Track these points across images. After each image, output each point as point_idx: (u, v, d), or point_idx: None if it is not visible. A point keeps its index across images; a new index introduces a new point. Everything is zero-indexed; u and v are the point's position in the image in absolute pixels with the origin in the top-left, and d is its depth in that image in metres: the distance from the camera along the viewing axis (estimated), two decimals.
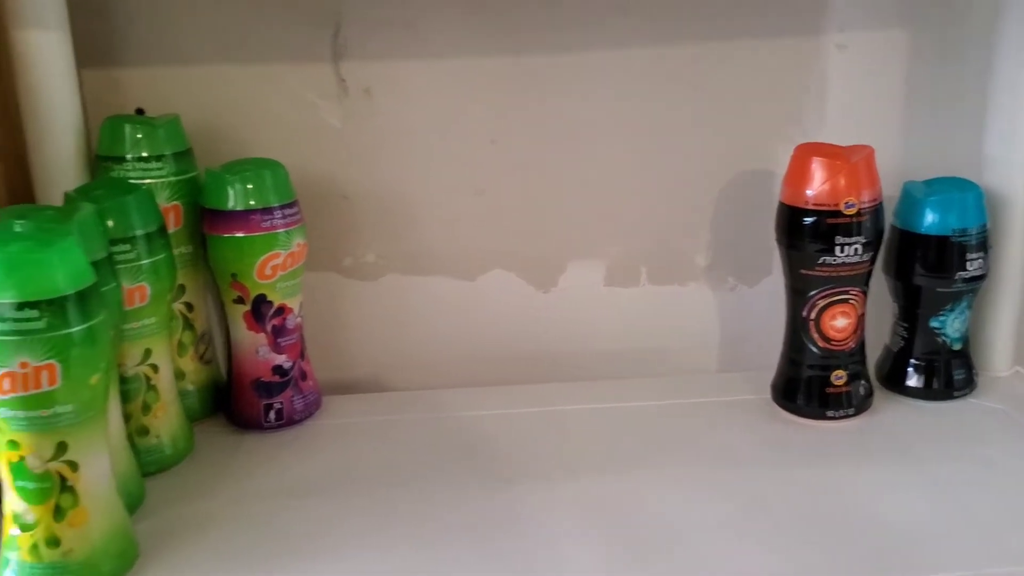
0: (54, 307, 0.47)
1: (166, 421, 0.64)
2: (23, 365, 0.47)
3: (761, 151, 0.76)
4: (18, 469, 0.50)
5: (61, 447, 0.50)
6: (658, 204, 0.77)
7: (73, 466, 0.50)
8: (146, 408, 0.63)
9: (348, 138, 0.74)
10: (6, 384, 0.47)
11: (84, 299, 0.49)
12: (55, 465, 0.50)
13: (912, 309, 0.70)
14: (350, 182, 0.75)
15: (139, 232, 0.60)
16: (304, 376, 0.70)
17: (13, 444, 0.49)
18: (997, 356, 0.74)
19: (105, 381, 0.51)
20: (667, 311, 0.79)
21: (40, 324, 0.47)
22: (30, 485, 0.50)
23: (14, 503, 0.50)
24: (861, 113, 0.75)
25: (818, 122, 0.76)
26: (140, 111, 0.73)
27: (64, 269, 0.48)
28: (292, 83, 0.73)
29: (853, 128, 0.75)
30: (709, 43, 0.73)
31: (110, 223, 0.59)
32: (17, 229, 0.51)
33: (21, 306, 0.47)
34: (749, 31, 0.73)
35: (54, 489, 0.50)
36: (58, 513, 0.50)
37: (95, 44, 0.70)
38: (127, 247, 0.60)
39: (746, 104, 0.75)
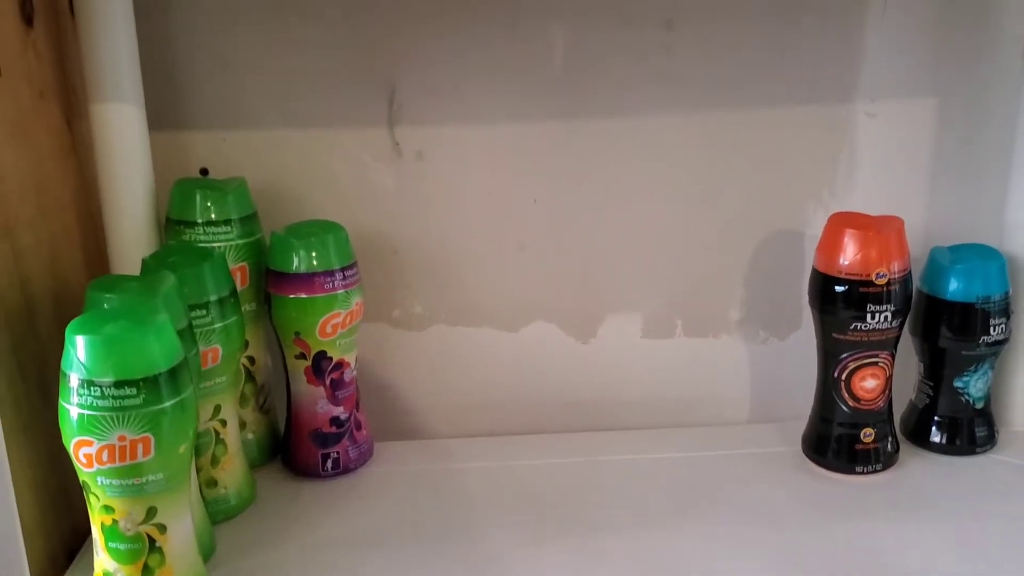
0: (150, 384, 0.51)
1: (232, 472, 0.68)
2: (121, 438, 0.51)
3: (793, 212, 0.80)
4: (111, 532, 0.54)
5: (151, 511, 0.54)
6: (693, 260, 0.81)
7: (161, 528, 0.54)
8: (214, 461, 0.67)
9: (400, 197, 0.78)
10: (104, 456, 0.51)
11: (175, 374, 0.53)
12: (145, 528, 0.54)
13: (937, 369, 0.74)
14: (401, 237, 0.79)
15: (213, 298, 0.64)
16: (359, 426, 0.74)
17: (107, 509, 0.53)
18: (1018, 411, 0.78)
19: (191, 449, 0.55)
20: (701, 362, 0.83)
21: (137, 400, 0.51)
22: (122, 546, 0.54)
23: (106, 562, 0.54)
24: (890, 178, 0.79)
25: (849, 185, 0.79)
26: (204, 171, 0.77)
27: (159, 347, 0.52)
28: (349, 146, 0.77)
29: (882, 192, 0.79)
30: (745, 109, 0.77)
31: (187, 290, 0.63)
32: (111, 307, 0.55)
33: (120, 384, 0.51)
34: (784, 98, 0.77)
35: (143, 550, 0.54)
36: (147, 571, 0.54)
37: (164, 108, 0.74)
38: (203, 312, 0.64)
39: (779, 167, 0.79)
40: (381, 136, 0.77)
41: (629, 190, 0.79)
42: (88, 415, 0.51)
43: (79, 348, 0.51)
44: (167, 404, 0.52)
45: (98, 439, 0.51)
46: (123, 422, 0.51)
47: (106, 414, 0.51)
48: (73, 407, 0.51)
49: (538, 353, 0.82)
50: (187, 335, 0.59)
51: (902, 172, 0.79)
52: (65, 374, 0.52)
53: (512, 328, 0.82)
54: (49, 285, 0.65)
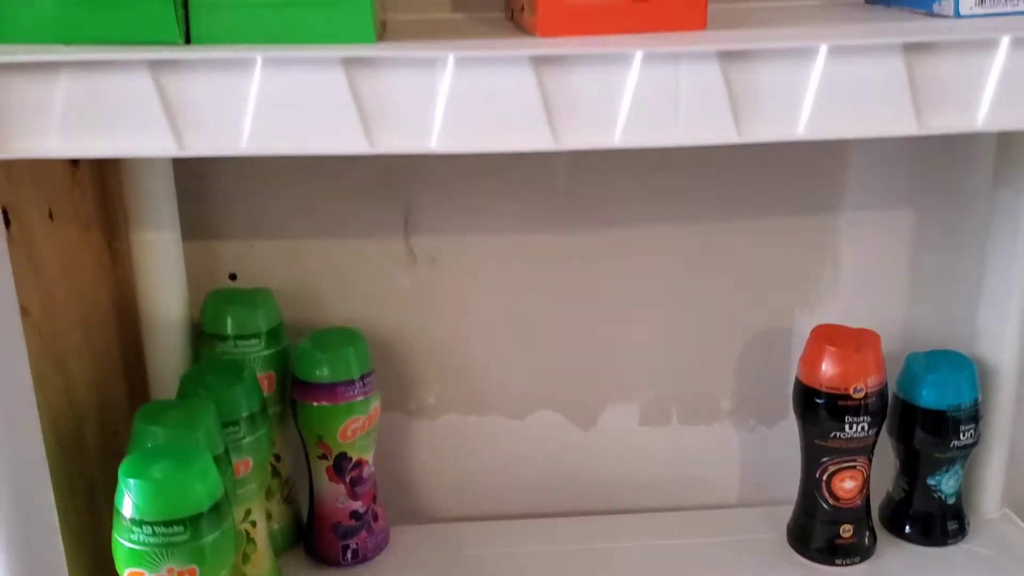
0: (194, 522, 0.58)
1: (261, 567, 0.74)
2: (169, 571, 0.57)
3: (779, 312, 0.86)
4: None
5: None
6: (687, 355, 0.87)
7: None
8: (245, 558, 0.73)
9: (415, 298, 0.84)
10: None
11: (217, 508, 0.59)
12: None
13: (912, 467, 0.79)
14: (415, 335, 0.85)
15: (245, 414, 0.70)
16: (376, 517, 0.80)
17: None
18: (987, 501, 0.83)
19: (230, 571, 0.61)
20: (695, 448, 0.89)
21: (184, 537, 0.57)
22: None
23: None
24: (870, 282, 0.85)
25: (832, 289, 0.85)
26: (233, 276, 0.83)
27: (203, 487, 0.58)
28: (368, 253, 0.83)
29: (863, 296, 0.85)
30: (736, 220, 0.83)
31: (221, 408, 0.69)
32: (157, 445, 0.61)
33: (168, 524, 0.57)
34: (773, 209, 0.83)
35: None
36: None
37: (197, 219, 0.80)
38: (235, 428, 0.70)
39: (767, 270, 0.84)
40: (398, 244, 0.83)
41: (627, 292, 0.84)
42: (139, 550, 0.57)
43: (131, 490, 0.57)
44: (210, 538, 0.58)
45: (149, 571, 0.57)
46: (171, 556, 0.57)
47: (155, 549, 0.57)
48: (126, 542, 0.57)
49: (543, 440, 0.88)
50: (224, 458, 0.65)
51: (882, 277, 0.85)
52: (118, 511, 0.58)
53: (519, 416, 0.88)
54: (94, 400, 0.71)
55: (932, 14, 0.62)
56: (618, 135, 0.46)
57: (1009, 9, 0.60)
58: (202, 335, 0.77)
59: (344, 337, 0.77)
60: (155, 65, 0.44)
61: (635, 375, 0.87)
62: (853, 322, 0.80)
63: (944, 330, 0.84)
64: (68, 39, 0.53)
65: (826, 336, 0.76)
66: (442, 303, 0.84)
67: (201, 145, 0.45)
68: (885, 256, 0.84)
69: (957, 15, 0.60)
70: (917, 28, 0.50)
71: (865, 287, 0.85)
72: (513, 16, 0.68)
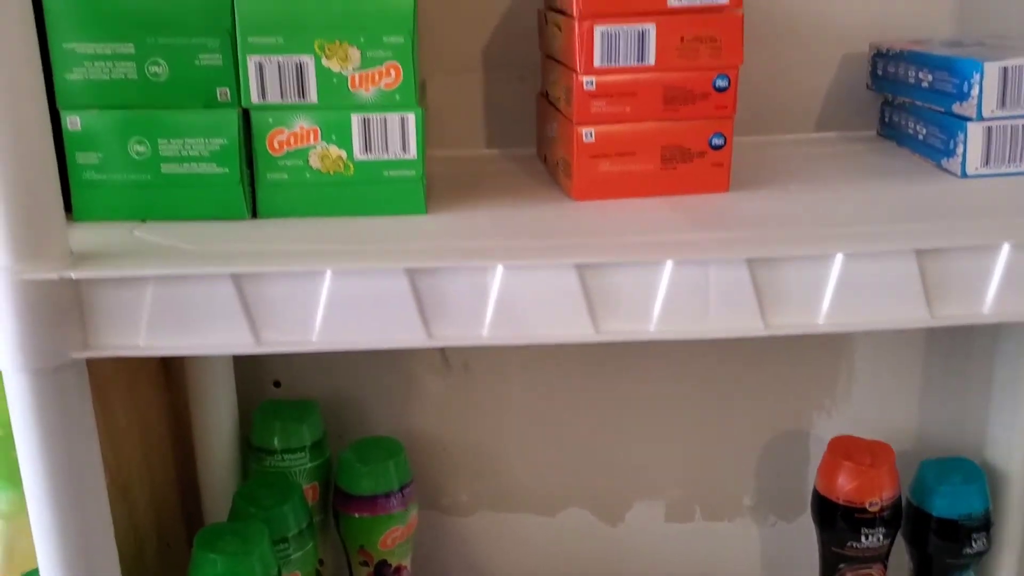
0: None
1: None
2: None
3: (799, 416, 0.90)
4: None
5: None
6: (711, 455, 0.91)
7: None
8: None
9: (449, 402, 0.88)
10: None
11: None
12: None
13: (926, 571, 0.83)
14: (449, 436, 0.89)
15: (293, 532, 0.75)
16: None
17: None
18: None
19: None
20: (718, 543, 0.93)
21: None
22: None
23: None
24: (884, 389, 0.89)
25: (847, 394, 0.89)
26: (277, 383, 0.87)
27: None
28: (406, 363, 0.87)
29: (877, 401, 0.88)
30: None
31: (272, 527, 0.73)
32: (214, 573, 0.66)
33: None
34: None
35: None
36: None
37: None
38: (285, 545, 0.74)
39: (786, 378, 0.88)
40: (432, 352, 0.87)
41: (654, 396, 0.89)
42: None
43: None
44: None
45: None
46: None
47: None
48: None
49: (572, 536, 0.92)
50: None
51: (895, 385, 0.89)
52: None
53: (549, 513, 0.92)
54: (153, 519, 0.75)
55: (940, 167, 0.67)
56: (653, 327, 0.50)
57: (1013, 170, 0.64)
58: (251, 447, 0.81)
59: (385, 449, 0.82)
60: (237, 277, 0.48)
61: (661, 474, 0.91)
62: (868, 426, 0.85)
63: (955, 436, 0.88)
64: (143, 216, 0.58)
65: (842, 450, 0.80)
66: (475, 406, 0.89)
67: (276, 341, 0.49)
68: (898, 364, 0.88)
69: (964, 175, 0.64)
70: (927, 230, 0.54)
71: (879, 394, 0.89)
72: (546, 159, 0.72)
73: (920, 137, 0.70)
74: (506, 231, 0.56)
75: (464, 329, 0.50)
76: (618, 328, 0.50)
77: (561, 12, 0.64)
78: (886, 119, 0.77)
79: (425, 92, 0.69)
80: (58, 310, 0.48)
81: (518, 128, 0.80)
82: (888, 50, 0.74)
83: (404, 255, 0.50)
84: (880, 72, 0.75)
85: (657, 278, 0.50)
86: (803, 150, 0.76)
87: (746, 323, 0.50)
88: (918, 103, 0.70)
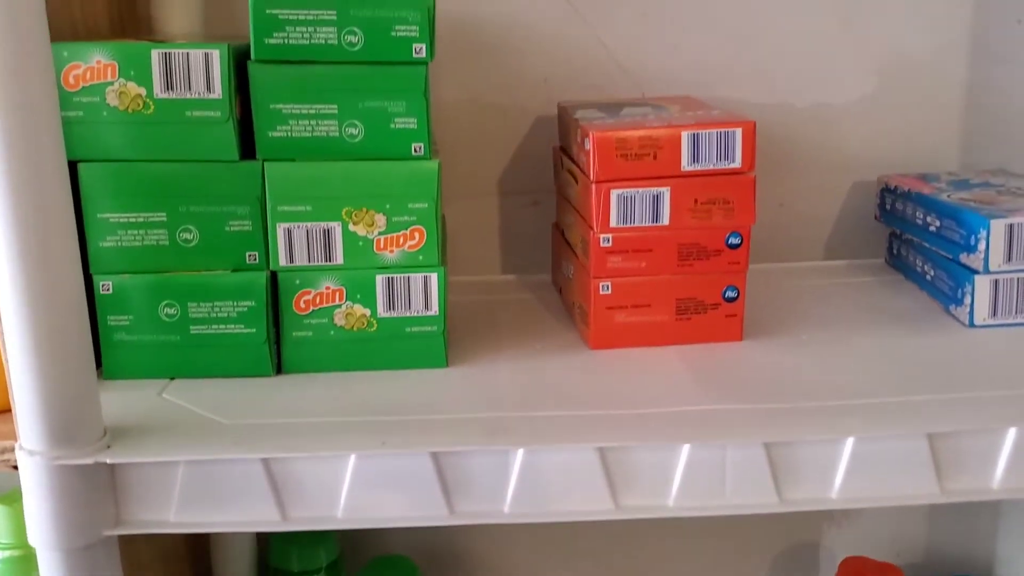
0: None
1: None
2: None
3: (810, 527, 0.91)
4: None
5: None
6: (725, 566, 0.91)
7: None
8: None
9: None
10: None
11: None
12: None
13: None
14: (464, 552, 0.90)
15: None
16: None
17: None
18: None
19: None
20: None
21: None
22: None
23: None
24: (891, 526, 0.90)
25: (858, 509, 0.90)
26: None
27: None
28: None
29: (887, 517, 0.89)
30: None
31: None
32: None
33: None
34: None
35: None
36: None
37: None
38: None
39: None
40: None
41: (664, 528, 0.90)
42: None
43: None
44: None
45: None
46: None
47: None
48: None
49: None
50: None
51: (902, 522, 0.90)
52: None
53: None
54: None
55: (948, 312, 0.68)
56: (672, 502, 0.51)
57: (1020, 321, 0.66)
58: (268, 568, 0.82)
59: (399, 569, 0.83)
60: (267, 460, 0.49)
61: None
62: (878, 541, 0.86)
63: (964, 553, 0.89)
64: (171, 374, 0.60)
65: (854, 572, 0.81)
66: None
67: (303, 518, 0.51)
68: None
69: (971, 325, 0.66)
70: (939, 404, 0.56)
71: (889, 510, 0.90)
72: (561, 291, 0.74)
73: (928, 277, 0.72)
74: (527, 395, 0.57)
75: (486, 506, 0.51)
76: (637, 504, 0.51)
77: (577, 166, 0.66)
78: (894, 250, 0.79)
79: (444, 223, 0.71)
80: (92, 491, 0.49)
81: (534, 253, 0.82)
82: (896, 187, 0.76)
83: (427, 432, 0.52)
84: (888, 207, 0.77)
85: (676, 458, 0.51)
86: (813, 281, 0.77)
87: (762, 499, 0.51)
88: (926, 244, 0.71)
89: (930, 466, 0.52)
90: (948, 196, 0.70)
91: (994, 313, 0.65)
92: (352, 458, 0.50)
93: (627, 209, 0.62)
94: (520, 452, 0.50)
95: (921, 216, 0.71)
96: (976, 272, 0.65)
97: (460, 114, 0.80)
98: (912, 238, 0.74)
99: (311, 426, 0.53)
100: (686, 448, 0.51)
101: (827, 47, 0.80)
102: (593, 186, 0.61)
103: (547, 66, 0.79)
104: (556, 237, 0.76)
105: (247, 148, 0.58)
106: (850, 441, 0.51)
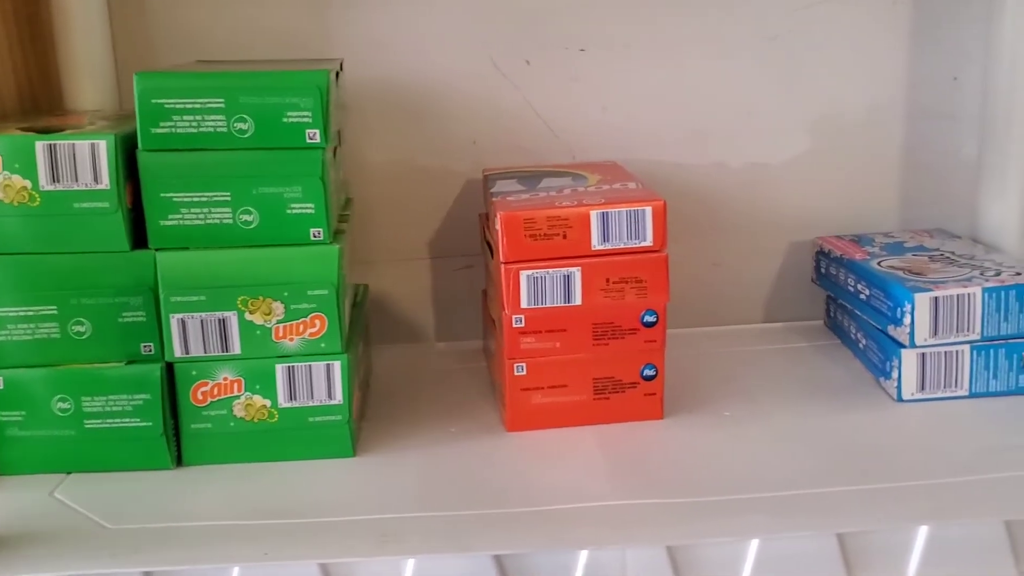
0: None
1: None
2: None
3: None
4: None
5: None
6: None
7: None
8: None
9: None
10: None
11: None
12: None
13: None
14: None
15: None
16: None
17: None
18: None
19: None
20: None
21: None
22: None
23: None
24: None
25: None
26: None
27: None
28: None
29: None
30: None
31: None
32: None
33: None
34: None
35: None
36: None
37: None
38: None
39: None
40: None
41: None
42: None
43: None
44: None
45: None
46: None
47: None
48: None
49: None
50: None
51: None
52: None
53: None
54: None
55: (879, 384, 0.67)
56: None
57: (948, 394, 0.64)
58: None
59: None
60: (148, 574, 0.48)
61: None
62: None
63: None
64: (67, 469, 0.58)
65: None
66: None
67: None
68: None
69: (899, 399, 0.64)
70: (851, 500, 0.54)
71: None
72: (488, 362, 0.72)
73: (861, 346, 0.70)
74: (431, 490, 0.55)
75: None
76: None
77: (490, 243, 0.64)
78: (831, 313, 0.77)
79: (366, 294, 0.69)
80: None
81: (467, 319, 0.80)
82: (830, 251, 0.74)
83: (319, 537, 0.50)
84: (823, 270, 0.75)
85: (574, 562, 0.49)
86: (748, 347, 0.76)
87: None
88: (857, 312, 0.70)
89: (840, 564, 0.50)
90: (879, 263, 0.69)
91: (922, 387, 0.64)
92: (236, 570, 0.48)
93: (538, 289, 0.60)
94: (411, 562, 0.48)
95: (853, 283, 0.70)
96: (903, 346, 0.63)
97: (389, 177, 0.78)
98: (845, 304, 0.72)
99: (200, 531, 0.51)
100: (584, 554, 0.49)
101: (761, 107, 0.78)
102: (502, 267, 0.60)
103: (476, 129, 0.78)
104: (484, 305, 0.74)
105: (140, 236, 0.56)
106: (755, 543, 0.49)
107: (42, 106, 0.71)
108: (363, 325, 0.68)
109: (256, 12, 0.74)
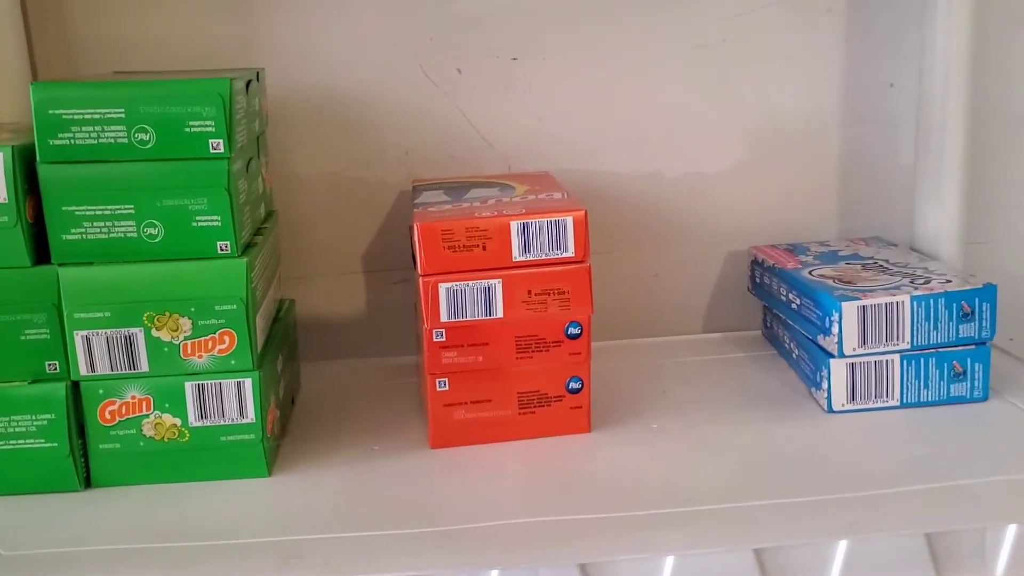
0: None
1: None
2: None
3: None
4: None
5: None
6: None
7: None
8: None
9: None
10: None
11: None
12: None
13: None
14: None
15: None
16: None
17: None
18: None
19: None
20: None
21: None
22: None
23: None
24: None
25: None
26: None
27: None
28: None
29: None
30: None
31: None
32: None
33: None
34: None
35: None
36: None
37: None
38: None
39: None
40: None
41: None
42: None
43: None
44: None
45: None
46: None
47: None
48: None
49: None
50: None
51: None
52: None
53: None
54: None
55: (811, 395, 0.65)
56: None
57: (879, 405, 0.63)
58: None
59: None
60: None
61: None
62: None
63: None
64: None
65: None
66: None
67: None
68: None
69: (829, 410, 0.63)
70: (771, 513, 0.53)
71: None
72: (418, 378, 0.70)
73: (794, 356, 0.69)
74: (344, 511, 0.53)
75: None
76: None
77: (415, 262, 0.63)
78: (767, 323, 0.76)
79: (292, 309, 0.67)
80: None
81: (400, 333, 0.79)
82: (763, 261, 0.73)
83: (220, 561, 0.48)
84: (758, 280, 0.75)
85: None
86: (684, 358, 0.74)
87: None
88: (790, 322, 0.69)
89: None
90: (811, 272, 0.68)
91: (852, 398, 0.63)
92: None
93: (458, 302, 0.59)
94: None
95: (785, 292, 0.69)
96: (832, 356, 0.62)
97: (320, 188, 0.77)
98: (779, 314, 0.71)
99: (101, 555, 0.49)
100: (494, 574, 0.47)
101: (696, 115, 0.77)
102: (421, 279, 0.58)
103: (409, 140, 0.77)
104: (416, 318, 0.73)
105: (42, 251, 0.55)
106: (670, 559, 0.48)
107: None
108: (286, 340, 0.67)
109: (179, 22, 0.73)
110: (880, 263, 0.69)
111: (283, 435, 0.63)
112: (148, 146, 0.53)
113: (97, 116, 0.52)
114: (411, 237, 0.69)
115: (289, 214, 0.76)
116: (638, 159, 0.78)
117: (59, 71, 0.72)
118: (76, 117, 0.52)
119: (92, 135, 0.52)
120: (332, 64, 0.75)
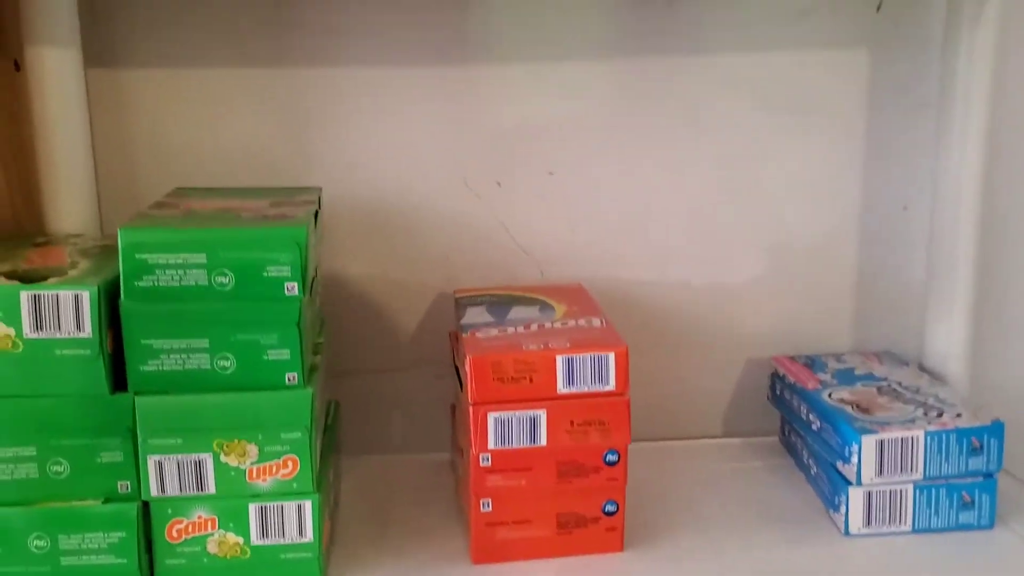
0: None
1: None
2: None
3: None
4: None
5: None
6: None
7: None
8: None
9: None
10: None
11: None
12: None
13: None
14: None
15: None
16: None
17: None
18: None
19: None
20: None
21: None
22: None
23: None
24: None
25: None
26: None
27: None
28: None
29: None
30: None
31: None
32: None
33: None
34: None
35: None
36: None
37: None
38: None
39: None
40: None
41: None
42: None
43: None
44: None
45: None
46: None
47: None
48: None
49: None
50: None
51: None
52: None
53: None
54: None
55: (828, 515, 0.69)
56: None
57: (894, 530, 0.67)
58: None
59: None
60: None
61: None
62: None
63: None
64: None
65: None
66: None
67: None
68: None
69: (846, 533, 0.67)
70: None
71: None
72: (456, 481, 0.74)
73: (812, 472, 0.73)
74: None
75: None
76: None
77: (459, 376, 0.66)
78: (785, 432, 0.80)
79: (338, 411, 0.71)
80: None
81: (436, 428, 0.82)
82: (784, 376, 0.77)
83: None
84: (778, 392, 0.79)
85: None
86: (707, 464, 0.78)
87: None
88: (809, 440, 0.73)
89: None
90: (830, 395, 0.72)
91: (868, 523, 0.67)
92: None
93: (505, 431, 0.62)
94: None
95: (805, 412, 0.73)
96: (850, 483, 0.66)
97: (363, 290, 0.81)
98: (798, 429, 0.75)
99: None
100: None
101: (721, 230, 0.82)
102: (471, 408, 0.62)
103: (449, 245, 0.81)
104: (453, 418, 0.76)
105: (119, 378, 0.58)
106: None
107: (25, 227, 0.72)
108: (333, 447, 0.70)
109: (235, 134, 0.77)
110: (894, 387, 0.73)
111: (332, 543, 0.67)
112: (227, 288, 0.57)
113: (180, 260, 0.56)
114: (454, 345, 0.73)
115: (331, 312, 0.79)
116: (665, 268, 0.82)
117: (121, 179, 0.76)
118: (160, 261, 0.56)
119: (175, 278, 0.56)
120: (379, 174, 0.79)
